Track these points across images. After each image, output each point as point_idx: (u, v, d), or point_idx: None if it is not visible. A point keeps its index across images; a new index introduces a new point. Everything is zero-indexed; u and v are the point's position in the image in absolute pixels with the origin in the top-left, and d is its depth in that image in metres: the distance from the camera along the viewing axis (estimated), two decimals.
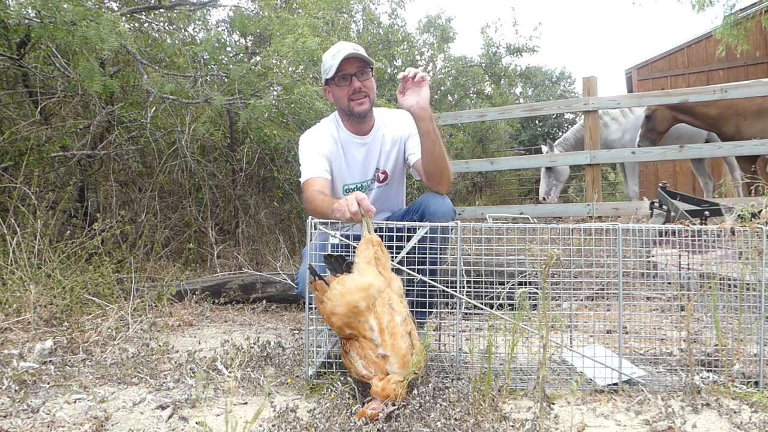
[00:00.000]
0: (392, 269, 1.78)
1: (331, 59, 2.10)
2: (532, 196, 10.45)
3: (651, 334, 2.22)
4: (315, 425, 1.41)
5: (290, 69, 3.97)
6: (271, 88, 3.96)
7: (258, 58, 4.50)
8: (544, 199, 6.80)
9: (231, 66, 3.66)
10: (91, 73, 3.03)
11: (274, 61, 4.00)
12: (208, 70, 3.89)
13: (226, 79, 3.81)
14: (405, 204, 2.40)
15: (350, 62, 2.07)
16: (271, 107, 3.54)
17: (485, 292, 1.95)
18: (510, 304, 1.77)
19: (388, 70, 6.92)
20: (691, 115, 5.76)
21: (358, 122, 2.18)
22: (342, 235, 1.85)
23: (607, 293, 2.10)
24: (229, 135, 4.30)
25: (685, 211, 3.35)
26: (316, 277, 1.67)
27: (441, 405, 1.51)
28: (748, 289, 1.87)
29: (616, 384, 1.73)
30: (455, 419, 1.43)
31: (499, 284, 1.95)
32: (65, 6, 2.97)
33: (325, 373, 1.83)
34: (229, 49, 3.98)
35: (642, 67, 9.67)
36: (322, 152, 2.15)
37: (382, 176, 2.27)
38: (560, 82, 12.80)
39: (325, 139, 2.19)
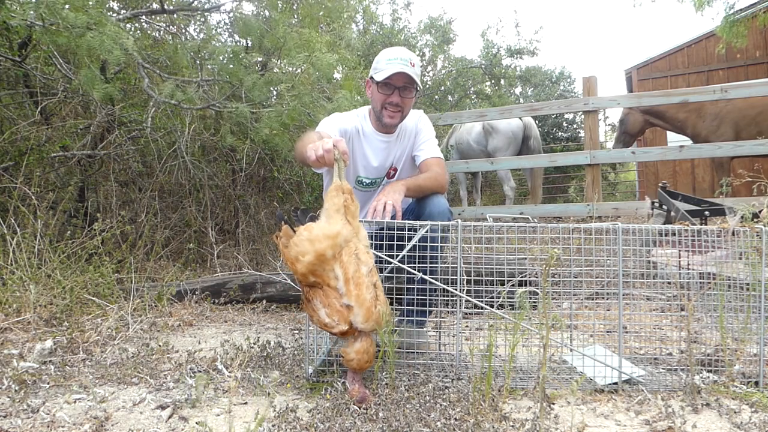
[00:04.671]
0: (392, 269, 1.78)
1: (385, 63, 2.11)
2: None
3: (651, 334, 2.22)
4: (315, 425, 1.41)
5: (303, 82, 3.96)
6: (276, 98, 3.97)
7: (259, 58, 4.49)
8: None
9: (241, 76, 3.65)
10: (92, 81, 3.04)
11: (290, 70, 4.01)
12: (210, 72, 3.89)
13: (228, 84, 3.80)
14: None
15: (400, 76, 2.09)
16: (283, 119, 3.55)
17: (485, 291, 1.95)
18: (510, 304, 1.77)
19: None
20: (662, 118, 5.92)
21: (385, 126, 2.22)
22: None
23: (607, 293, 2.10)
24: (242, 141, 4.31)
25: (686, 211, 3.35)
26: (283, 222, 1.64)
27: (441, 405, 1.51)
28: (747, 289, 1.87)
29: (616, 384, 1.72)
30: (455, 419, 1.43)
31: (499, 284, 1.95)
32: (66, 7, 2.97)
33: (325, 372, 1.83)
34: (242, 56, 3.98)
35: (642, 67, 9.67)
36: (341, 127, 2.17)
37: (392, 173, 2.30)
38: (560, 82, 12.79)
39: (348, 123, 2.22)
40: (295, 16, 4.29)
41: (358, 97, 4.05)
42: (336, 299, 1.54)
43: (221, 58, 3.63)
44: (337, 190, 1.62)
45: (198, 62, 3.83)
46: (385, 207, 1.91)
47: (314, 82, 3.84)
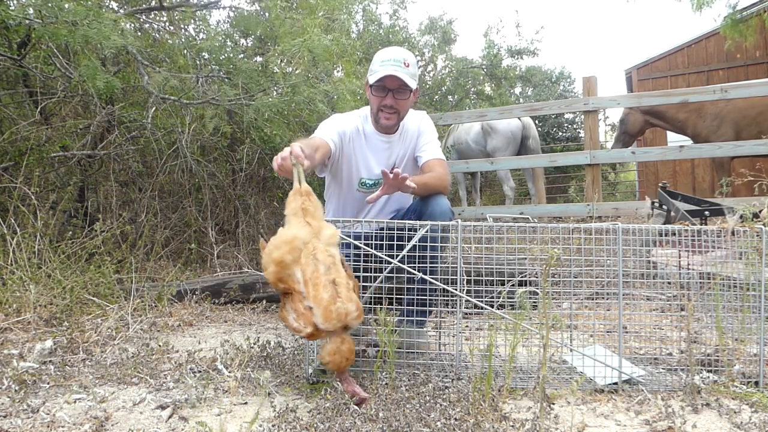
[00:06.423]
0: (393, 269, 1.78)
1: (378, 64, 2.10)
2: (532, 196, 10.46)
3: (651, 334, 2.22)
4: (315, 425, 1.41)
5: (297, 70, 3.95)
6: (275, 87, 3.96)
7: (259, 58, 4.49)
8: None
9: (233, 58, 3.65)
10: (94, 72, 3.03)
11: (284, 63, 4.01)
12: (209, 71, 3.89)
13: (227, 79, 3.80)
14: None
15: (392, 79, 2.08)
16: (277, 105, 3.54)
17: (485, 291, 1.95)
18: (510, 304, 1.77)
19: None
20: (662, 118, 5.93)
21: (382, 128, 2.22)
22: (343, 233, 1.86)
23: (607, 293, 2.10)
24: (229, 135, 4.31)
25: (686, 211, 3.35)
26: (261, 238, 1.66)
27: (441, 405, 1.51)
28: (747, 289, 1.87)
29: (616, 384, 1.72)
30: (455, 419, 1.43)
31: (499, 284, 1.95)
32: (66, 6, 2.97)
33: (325, 372, 1.83)
34: (229, 49, 3.97)
35: (642, 67, 9.67)
36: (339, 130, 2.17)
37: None
38: (560, 82, 12.79)
39: (348, 125, 2.21)
40: (297, 12, 4.29)
41: (355, 80, 4.03)
42: (300, 302, 1.55)
43: (216, 44, 3.60)
44: (294, 194, 1.65)
45: (192, 56, 3.83)
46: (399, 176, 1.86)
47: (309, 67, 3.80)
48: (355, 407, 1.51)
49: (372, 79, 2.11)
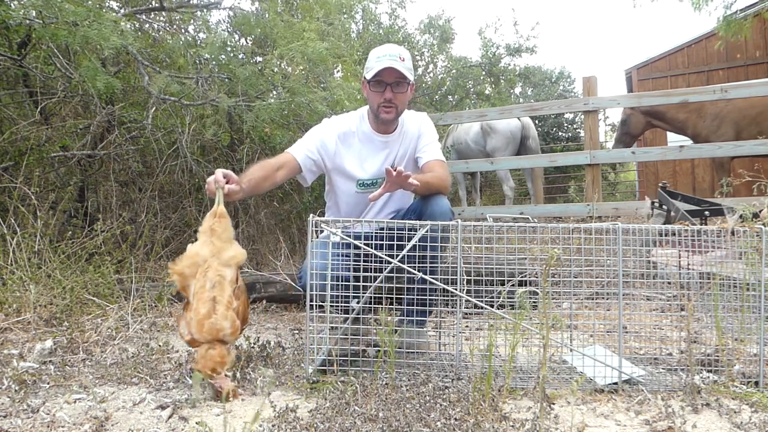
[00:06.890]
0: (393, 269, 1.78)
1: (374, 61, 2.12)
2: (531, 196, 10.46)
3: (651, 334, 2.22)
4: (315, 425, 1.41)
5: (295, 72, 3.95)
6: (274, 91, 3.96)
7: (259, 58, 4.49)
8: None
9: (232, 67, 3.65)
10: (94, 73, 3.04)
11: (283, 65, 4.01)
12: (209, 71, 3.89)
13: (227, 80, 3.81)
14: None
15: (390, 71, 2.09)
16: (276, 110, 3.55)
17: (485, 291, 1.95)
18: (510, 304, 1.77)
19: None
20: (662, 119, 5.94)
21: (383, 124, 2.22)
22: (344, 233, 1.87)
23: (607, 293, 2.10)
24: (229, 135, 4.30)
25: (686, 211, 3.35)
26: None
27: (441, 405, 1.51)
28: (747, 289, 1.87)
29: (616, 384, 1.72)
30: (455, 419, 1.43)
31: (499, 284, 1.95)
32: (67, 6, 2.98)
33: (325, 372, 1.83)
34: (229, 49, 3.97)
35: (642, 67, 9.66)
36: (324, 138, 2.19)
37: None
38: (560, 82, 12.79)
39: (337, 130, 2.23)
40: (296, 15, 4.29)
41: (354, 83, 4.02)
42: (190, 312, 1.71)
43: (216, 45, 3.61)
44: (210, 215, 1.83)
45: (191, 57, 3.83)
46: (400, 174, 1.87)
47: (308, 71, 3.81)
48: (355, 408, 1.51)
49: (369, 75, 2.11)
